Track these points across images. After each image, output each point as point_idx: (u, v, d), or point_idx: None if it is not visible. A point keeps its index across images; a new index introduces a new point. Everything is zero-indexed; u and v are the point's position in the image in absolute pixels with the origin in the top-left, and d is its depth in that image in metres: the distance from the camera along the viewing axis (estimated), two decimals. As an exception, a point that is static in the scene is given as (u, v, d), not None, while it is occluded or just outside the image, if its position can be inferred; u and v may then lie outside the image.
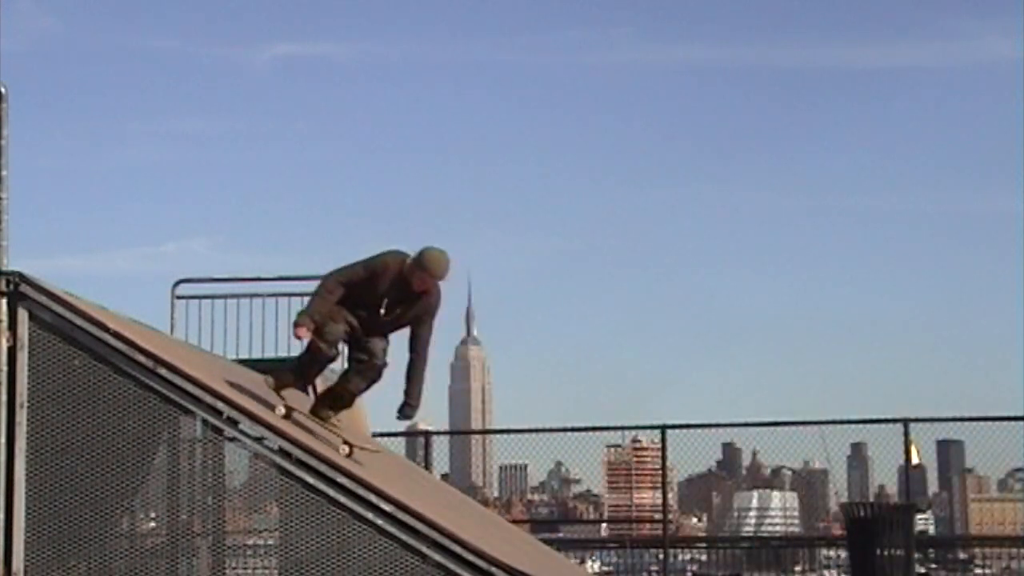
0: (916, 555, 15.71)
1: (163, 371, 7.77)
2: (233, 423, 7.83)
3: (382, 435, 16.87)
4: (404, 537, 7.59)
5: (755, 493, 54.36)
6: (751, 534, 37.12)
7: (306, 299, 13.07)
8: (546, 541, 14.62)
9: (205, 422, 7.96)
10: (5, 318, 7.70)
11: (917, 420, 18.32)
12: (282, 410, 8.48)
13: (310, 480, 7.64)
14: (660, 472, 19.95)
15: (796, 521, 43.16)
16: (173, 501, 8.36)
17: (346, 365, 9.24)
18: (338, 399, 9.09)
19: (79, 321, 7.75)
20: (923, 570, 19.83)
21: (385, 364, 9.00)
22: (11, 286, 7.74)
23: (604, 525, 32.15)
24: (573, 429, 19.94)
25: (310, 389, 11.42)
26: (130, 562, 8.10)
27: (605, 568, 23.03)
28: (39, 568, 7.58)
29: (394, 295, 8.76)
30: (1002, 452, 18.92)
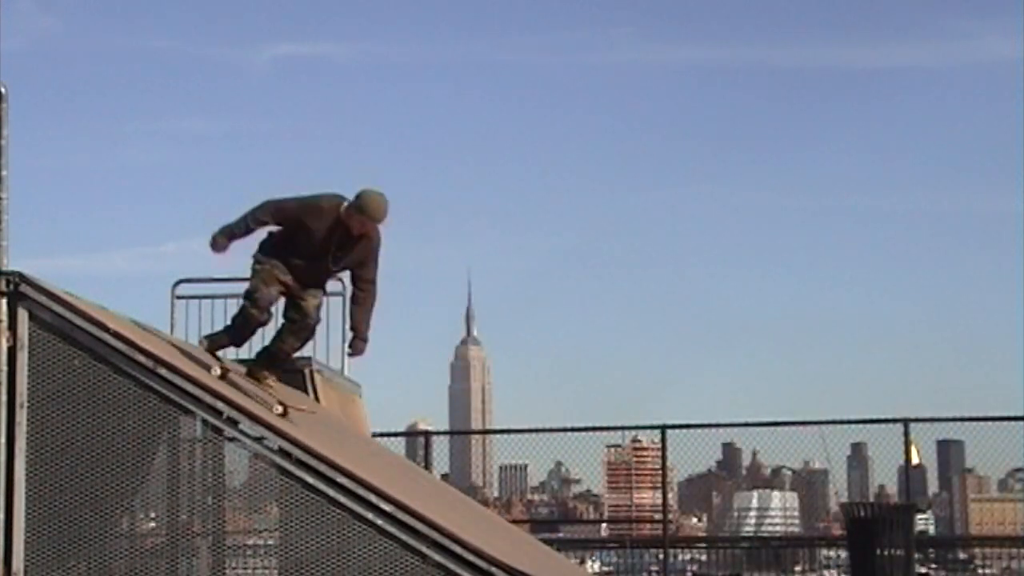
0: (916, 555, 15.71)
1: (163, 371, 7.77)
2: (233, 423, 7.84)
3: (382, 435, 16.89)
4: (404, 537, 7.59)
5: (755, 493, 54.34)
6: (751, 534, 37.12)
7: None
8: (546, 541, 14.61)
9: (205, 422, 7.96)
10: (5, 318, 7.70)
11: (917, 420, 18.32)
12: (217, 371, 8.54)
13: (310, 480, 7.64)
14: (660, 472, 19.95)
15: (796, 521, 43.18)
16: (173, 501, 8.36)
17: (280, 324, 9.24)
18: (273, 358, 9.12)
19: (79, 321, 7.75)
20: (924, 570, 19.84)
21: (318, 321, 9.07)
22: (11, 286, 7.74)
23: (604, 525, 32.15)
24: (573, 429, 19.94)
25: (310, 390, 11.43)
26: (130, 562, 8.10)
27: (605, 568, 23.04)
28: (39, 568, 7.58)
29: (332, 240, 8.73)
30: (1002, 452, 18.93)
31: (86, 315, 7.79)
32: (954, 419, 18.77)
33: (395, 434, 19.75)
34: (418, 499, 8.18)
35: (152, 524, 8.60)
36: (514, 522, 17.91)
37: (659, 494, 20.63)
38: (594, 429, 20.47)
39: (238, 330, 9.03)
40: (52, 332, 7.74)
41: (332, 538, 7.61)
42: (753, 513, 46.81)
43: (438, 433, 22.46)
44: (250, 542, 9.14)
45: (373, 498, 7.62)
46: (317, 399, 11.41)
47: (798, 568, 22.10)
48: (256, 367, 9.09)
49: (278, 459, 7.79)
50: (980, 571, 21.87)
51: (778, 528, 39.66)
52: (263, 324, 9.03)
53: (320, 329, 13.00)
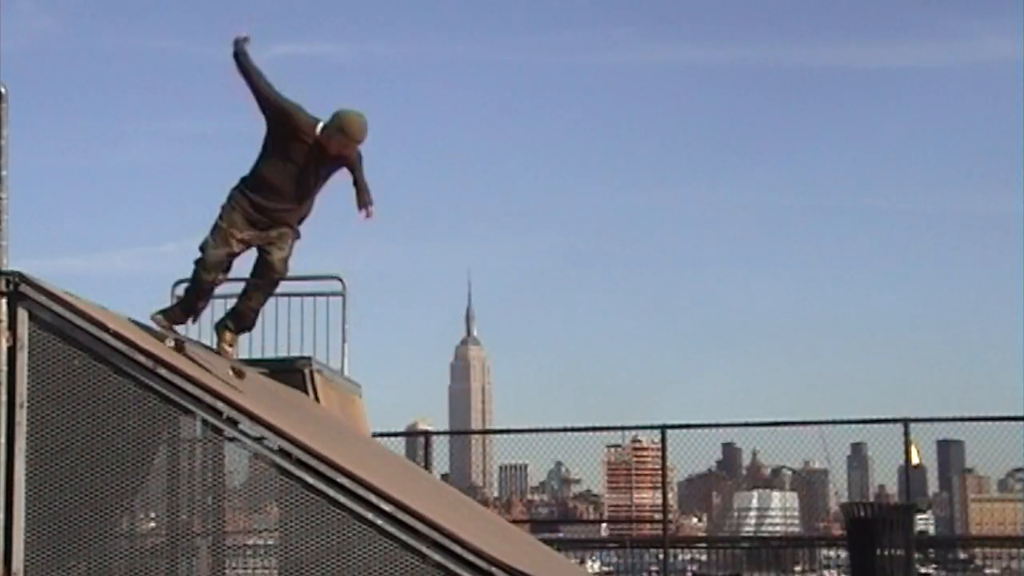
0: (916, 555, 15.71)
1: (163, 371, 7.76)
2: (233, 423, 7.83)
3: (382, 435, 16.90)
4: (404, 537, 7.58)
5: (755, 493, 54.40)
6: (751, 534, 37.16)
7: (306, 299, 13.20)
8: (546, 541, 14.61)
9: (205, 422, 7.96)
10: (5, 318, 7.70)
11: (917, 420, 18.31)
12: (171, 343, 8.55)
13: (310, 480, 7.64)
14: (660, 472, 19.94)
15: (796, 521, 43.21)
16: (173, 501, 8.36)
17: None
18: (241, 319, 9.17)
19: (79, 321, 7.74)
20: (927, 570, 19.84)
21: (283, 275, 9.08)
22: (11, 286, 7.74)
23: (604, 525, 32.16)
24: (573, 429, 19.94)
25: (310, 390, 11.42)
26: (130, 562, 8.10)
27: (605, 568, 23.04)
28: (39, 568, 7.58)
29: (310, 166, 8.76)
30: (1002, 452, 18.93)
31: (86, 315, 7.79)
32: (954, 419, 18.77)
33: (395, 434, 19.75)
34: (418, 499, 8.17)
35: (152, 524, 8.59)
36: (514, 522, 17.90)
37: (659, 494, 20.62)
38: (594, 429, 20.47)
39: (189, 297, 9.00)
40: (52, 332, 7.73)
41: (332, 538, 7.60)
42: (753, 513, 46.85)
43: (438, 433, 22.45)
44: (250, 542, 9.14)
45: (373, 498, 7.61)
46: (317, 399, 11.41)
47: (798, 568, 22.10)
48: (220, 327, 9.11)
49: (278, 459, 7.78)
50: (985, 571, 21.84)
51: (778, 528, 39.72)
52: (214, 286, 8.99)
53: (320, 329, 13.13)
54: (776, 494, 51.34)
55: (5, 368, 7.67)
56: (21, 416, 7.63)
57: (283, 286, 13.14)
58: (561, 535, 25.73)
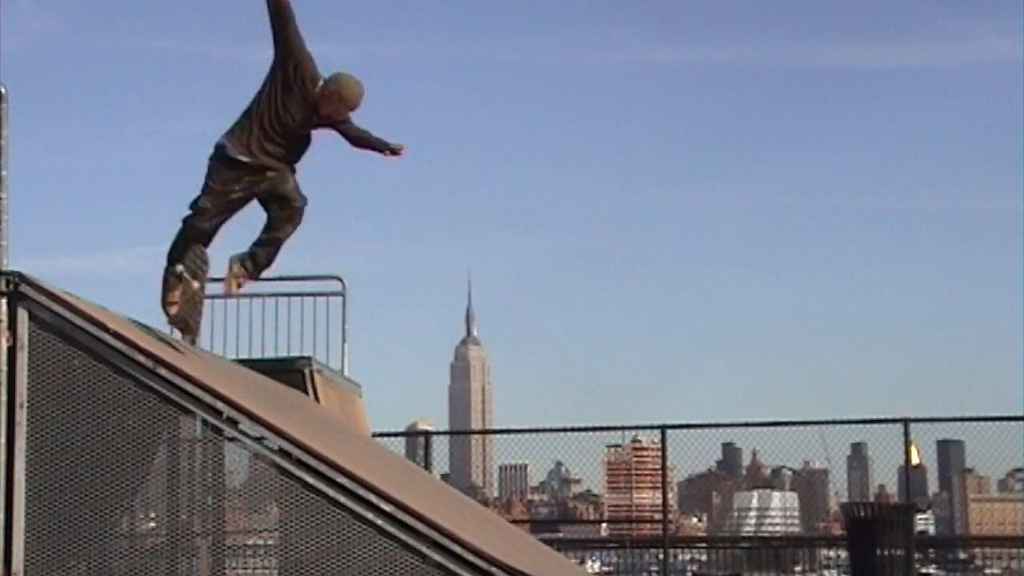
0: (916, 555, 15.71)
1: (163, 371, 7.76)
2: (233, 423, 7.83)
3: (382, 435, 16.90)
4: (404, 537, 7.58)
5: (755, 493, 54.31)
6: (751, 534, 37.13)
7: (306, 299, 13.22)
8: (546, 541, 14.61)
9: (205, 422, 7.95)
10: (5, 318, 7.70)
11: (917, 420, 18.32)
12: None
13: (310, 480, 7.63)
14: (660, 472, 19.95)
15: (796, 521, 43.17)
16: (173, 501, 8.36)
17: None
18: (263, 254, 9.00)
19: (79, 321, 7.74)
20: (931, 571, 19.83)
21: (306, 201, 8.93)
22: (11, 286, 7.73)
23: (604, 525, 32.18)
24: (573, 429, 19.96)
25: (310, 390, 11.42)
26: (130, 562, 8.09)
27: (605, 568, 23.05)
28: (39, 568, 7.57)
29: (303, 114, 8.72)
30: (1002, 452, 18.95)
31: (86, 315, 7.79)
32: (954, 419, 18.79)
33: (395, 434, 19.76)
34: (418, 499, 8.17)
35: (152, 524, 8.59)
36: (514, 522, 17.90)
37: (659, 494, 20.63)
38: (594, 429, 20.49)
39: (182, 240, 8.87)
40: (52, 332, 7.73)
41: (332, 538, 7.60)
42: (753, 513, 46.80)
43: (438, 433, 22.48)
44: (250, 542, 9.14)
45: (373, 498, 7.61)
46: (317, 399, 11.41)
47: (798, 568, 22.10)
48: (240, 258, 8.97)
49: (278, 459, 7.78)
50: (986, 572, 21.85)
51: (778, 528, 39.68)
52: (210, 231, 8.88)
53: (320, 329, 13.13)
54: (776, 494, 51.27)
55: (5, 368, 7.66)
56: (21, 416, 7.63)
57: (284, 286, 13.24)
58: (561, 535, 25.75)
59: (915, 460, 19.37)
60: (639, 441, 36.93)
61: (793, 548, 23.24)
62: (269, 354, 12.63)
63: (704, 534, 42.80)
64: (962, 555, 23.34)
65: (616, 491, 47.50)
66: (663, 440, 19.03)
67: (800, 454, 22.46)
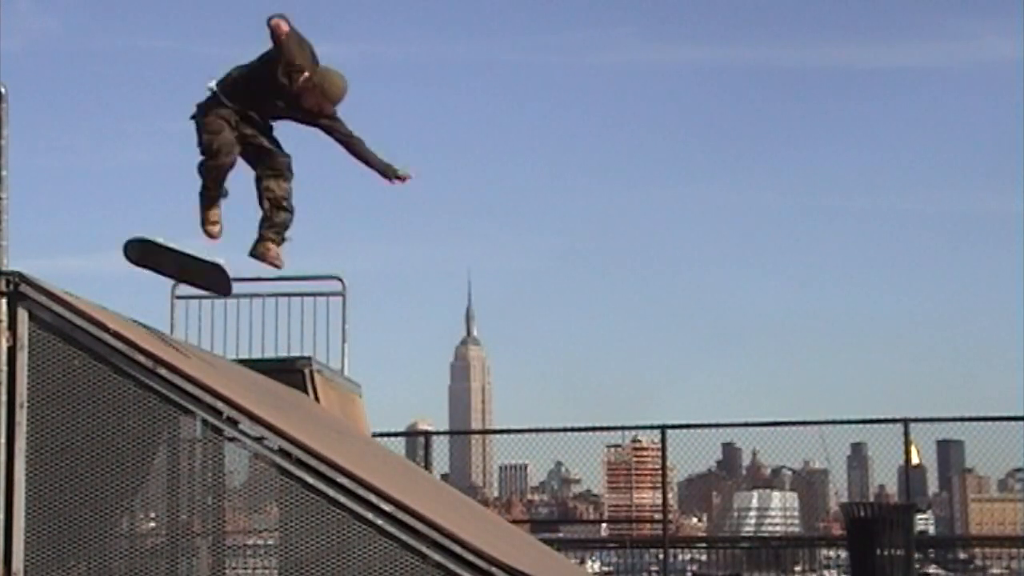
0: (916, 555, 15.71)
1: (163, 371, 7.76)
2: (233, 423, 7.83)
3: (382, 435, 16.89)
4: (404, 537, 7.58)
5: (755, 493, 54.23)
6: (751, 534, 37.08)
7: (306, 299, 13.20)
8: (546, 541, 14.61)
9: (205, 422, 7.95)
10: (5, 318, 7.70)
11: (917, 420, 18.31)
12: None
13: (310, 480, 7.64)
14: (660, 472, 19.94)
15: (796, 521, 43.13)
16: (173, 501, 8.36)
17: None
18: (277, 205, 8.87)
19: (79, 321, 7.74)
20: (935, 571, 19.83)
21: (290, 156, 8.86)
22: (11, 286, 7.73)
23: (604, 525, 32.15)
24: (573, 429, 19.95)
25: (310, 390, 11.41)
26: (130, 562, 8.10)
27: (605, 568, 23.04)
28: (39, 568, 7.57)
29: (283, 98, 8.67)
30: (1002, 452, 18.94)
31: (86, 315, 7.79)
32: (954, 419, 18.77)
33: (395, 434, 19.76)
34: (418, 499, 8.17)
35: (152, 524, 8.60)
36: (514, 522, 17.90)
37: (659, 494, 20.62)
38: (594, 429, 20.47)
39: (209, 184, 8.78)
40: (52, 332, 7.73)
41: (332, 538, 7.60)
42: (753, 513, 46.74)
43: (438, 433, 22.47)
44: (250, 542, 9.14)
45: (373, 498, 7.61)
46: (317, 399, 11.41)
47: (798, 568, 22.09)
48: (266, 237, 8.86)
49: (278, 459, 7.78)
50: (992, 571, 21.84)
51: (778, 528, 39.62)
52: (231, 166, 8.78)
53: (320, 329, 13.13)
54: (776, 494, 51.23)
55: (5, 368, 7.66)
56: (21, 416, 7.63)
57: (284, 286, 13.24)
58: (561, 535, 25.73)
59: (915, 460, 19.36)
60: (639, 441, 36.91)
61: (793, 548, 23.21)
62: (269, 354, 12.62)
63: (704, 534, 42.75)
64: (962, 555, 23.34)
65: (616, 491, 47.51)
66: (663, 440, 19.02)
67: (800, 454, 22.46)
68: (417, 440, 20.78)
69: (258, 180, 8.92)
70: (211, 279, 9.26)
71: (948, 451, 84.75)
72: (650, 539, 22.64)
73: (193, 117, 8.80)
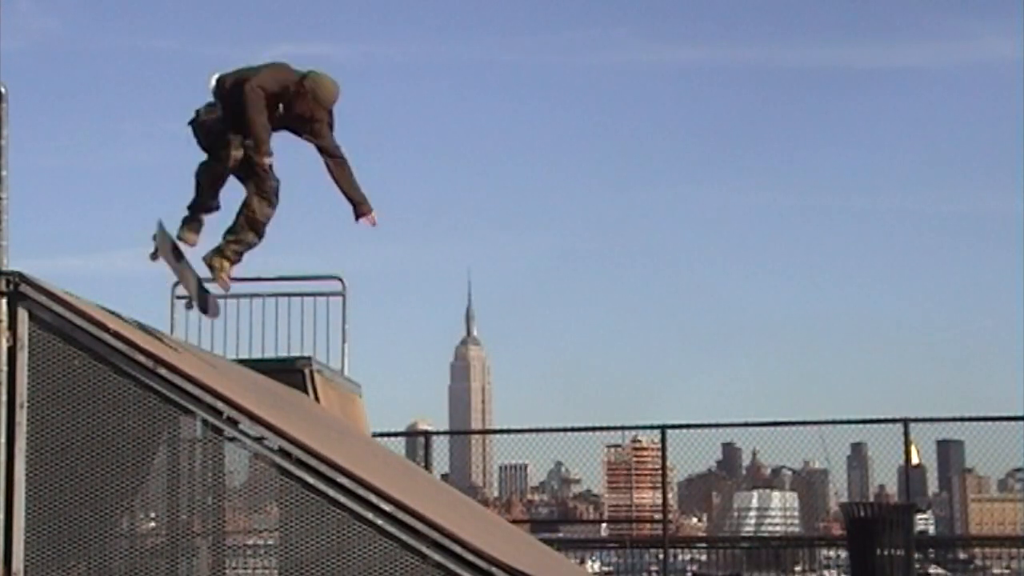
0: (916, 555, 15.70)
1: (163, 371, 7.76)
2: (233, 423, 7.83)
3: (382, 435, 16.89)
4: (404, 537, 7.58)
5: (755, 493, 54.19)
6: (751, 534, 37.07)
7: (306, 299, 13.20)
8: (546, 541, 14.60)
9: (205, 422, 7.95)
10: (5, 318, 7.70)
11: (917, 420, 18.30)
12: (183, 243, 8.54)
13: (310, 480, 7.64)
14: (660, 472, 19.93)
15: (796, 521, 43.11)
16: (173, 501, 8.36)
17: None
18: (254, 225, 8.85)
19: (79, 321, 7.74)
20: (939, 571, 19.81)
21: (279, 181, 8.84)
22: (11, 286, 7.74)
23: (604, 525, 32.16)
24: (573, 429, 19.94)
25: (310, 390, 11.42)
26: (130, 562, 8.09)
27: (605, 568, 23.03)
28: (39, 568, 7.57)
29: (282, 118, 8.70)
30: (1002, 452, 18.92)
31: (86, 315, 7.79)
32: (954, 419, 18.75)
33: (395, 434, 19.75)
34: (418, 499, 8.18)
35: (152, 524, 8.60)
36: (514, 522, 17.90)
37: (659, 494, 20.62)
38: (594, 429, 20.47)
39: (205, 188, 8.79)
40: (52, 332, 7.73)
41: (332, 538, 7.60)
42: (753, 513, 46.70)
43: (438, 433, 22.45)
44: (250, 542, 9.14)
45: (373, 498, 7.61)
46: (317, 399, 11.42)
47: (798, 568, 22.07)
48: (223, 256, 8.84)
49: (278, 459, 7.78)
50: (994, 571, 21.82)
51: (778, 528, 39.59)
52: (231, 170, 8.76)
53: (320, 329, 13.13)
54: (776, 494, 51.19)
55: (5, 368, 7.66)
56: (21, 416, 7.63)
57: (284, 286, 13.25)
58: (561, 535, 25.72)
59: (915, 460, 19.35)
60: (639, 441, 36.97)
61: (793, 548, 23.19)
62: (269, 354, 12.62)
63: (704, 534, 42.72)
64: (962, 555, 23.33)
65: (616, 491, 47.56)
66: (663, 440, 19.01)
67: (800, 454, 22.47)
68: (417, 440, 20.77)
69: (246, 198, 8.89)
70: (202, 301, 9.33)
71: (948, 451, 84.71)
72: (650, 539, 22.63)
73: (191, 123, 8.80)
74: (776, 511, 45.95)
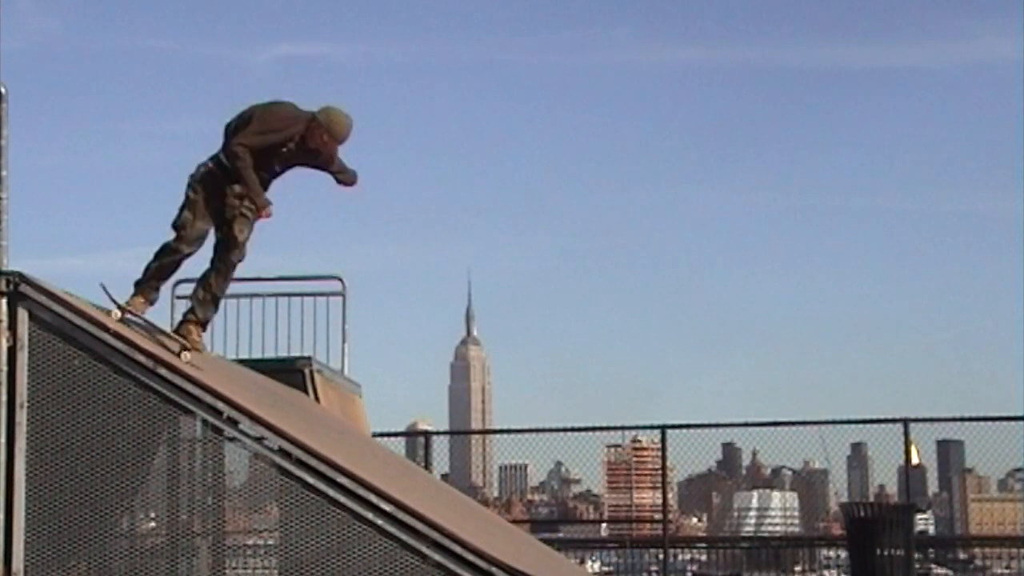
0: (916, 555, 15.70)
1: (163, 371, 7.76)
2: (233, 423, 7.83)
3: (382, 435, 16.88)
4: (404, 537, 7.58)
5: (755, 493, 54.24)
6: (751, 534, 37.08)
7: (306, 299, 13.19)
8: (546, 541, 14.59)
9: (205, 422, 7.96)
10: (5, 318, 7.70)
11: (917, 420, 18.30)
12: (118, 314, 8.29)
13: (310, 480, 7.64)
14: (660, 472, 19.94)
15: (796, 521, 43.14)
16: (173, 501, 8.36)
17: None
18: (206, 309, 8.86)
19: (79, 321, 7.74)
20: (941, 571, 19.80)
21: (243, 258, 8.82)
22: (11, 286, 7.74)
23: (604, 525, 32.16)
24: (573, 429, 19.94)
25: (310, 390, 11.40)
26: (130, 562, 8.09)
27: (605, 568, 23.04)
28: (39, 568, 7.57)
29: (293, 154, 8.70)
30: (1002, 452, 18.93)
31: (86, 315, 7.79)
32: (954, 419, 18.75)
33: (395, 434, 19.75)
34: (418, 499, 8.17)
35: (152, 524, 8.60)
36: (514, 522, 17.90)
37: (659, 494, 20.61)
38: (594, 429, 20.47)
39: (164, 267, 8.67)
40: (52, 332, 7.73)
41: (332, 538, 7.60)
42: (753, 513, 46.73)
43: (438, 433, 22.45)
44: (250, 542, 9.14)
45: (373, 498, 7.61)
46: (317, 399, 11.41)
47: (798, 568, 22.08)
48: (186, 323, 8.78)
49: (278, 459, 7.78)
50: (996, 571, 21.81)
51: (778, 528, 39.61)
52: (189, 256, 8.72)
53: (320, 329, 13.12)
54: (776, 494, 51.24)
55: (5, 368, 7.67)
56: (21, 416, 7.63)
57: (284, 286, 13.24)
58: (561, 535, 25.74)
59: (915, 460, 19.36)
60: (639, 441, 36.95)
61: (793, 548, 23.21)
62: (269, 354, 12.61)
63: (704, 534, 42.74)
64: (962, 555, 23.34)
65: (616, 491, 47.56)
66: (663, 440, 19.01)
67: (800, 454, 22.49)
68: (417, 440, 20.78)
69: (208, 274, 8.85)
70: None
71: (948, 451, 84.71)
72: (650, 539, 22.65)
73: (189, 184, 8.69)
74: (776, 511, 45.98)
